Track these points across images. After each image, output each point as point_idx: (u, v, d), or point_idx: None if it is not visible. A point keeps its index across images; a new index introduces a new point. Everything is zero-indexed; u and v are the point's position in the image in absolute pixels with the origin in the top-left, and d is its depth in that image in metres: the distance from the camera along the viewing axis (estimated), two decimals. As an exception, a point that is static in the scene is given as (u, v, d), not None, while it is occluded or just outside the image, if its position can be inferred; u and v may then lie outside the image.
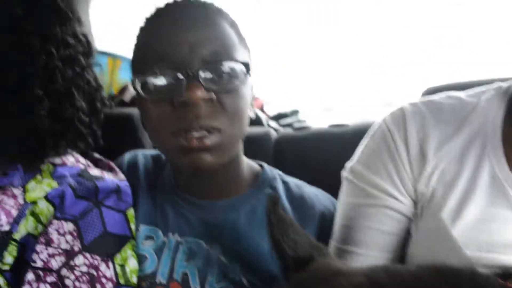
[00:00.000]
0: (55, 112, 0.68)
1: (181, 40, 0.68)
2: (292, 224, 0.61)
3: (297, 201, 0.79)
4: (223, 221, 0.75)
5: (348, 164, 0.71)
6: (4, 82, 0.63)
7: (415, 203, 0.64)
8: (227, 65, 0.68)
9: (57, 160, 0.72)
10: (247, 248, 0.73)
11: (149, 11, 0.74)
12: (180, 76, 0.66)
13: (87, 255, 0.63)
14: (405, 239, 0.65)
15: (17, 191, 0.67)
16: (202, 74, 0.66)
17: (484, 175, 0.59)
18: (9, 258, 0.62)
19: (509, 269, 0.53)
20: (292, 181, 0.83)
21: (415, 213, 0.64)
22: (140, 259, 0.72)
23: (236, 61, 0.69)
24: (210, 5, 0.73)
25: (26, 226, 0.64)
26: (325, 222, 0.75)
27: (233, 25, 0.73)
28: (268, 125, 1.36)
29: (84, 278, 0.62)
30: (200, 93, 0.65)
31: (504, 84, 0.66)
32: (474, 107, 0.65)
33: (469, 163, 0.61)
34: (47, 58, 0.67)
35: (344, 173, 0.71)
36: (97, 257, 0.64)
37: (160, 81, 0.68)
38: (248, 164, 0.82)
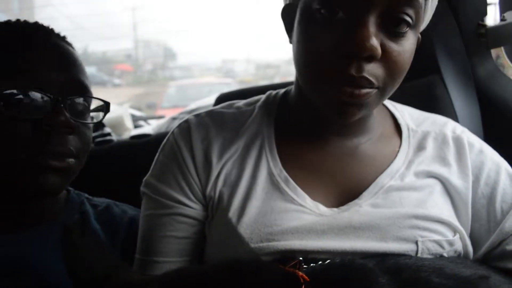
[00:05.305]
0: None
1: None
2: (90, 248, 0.59)
3: (108, 223, 0.79)
4: (22, 258, 0.68)
5: (144, 178, 0.72)
6: None
7: (206, 207, 0.68)
8: None
9: None
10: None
11: None
12: None
13: None
14: (202, 241, 0.69)
15: None
16: None
17: (262, 173, 0.66)
18: None
19: (286, 254, 0.60)
20: (101, 202, 0.82)
21: (206, 216, 0.69)
22: None
23: None
24: None
25: None
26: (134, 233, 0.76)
27: None
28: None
29: None
30: None
31: (274, 92, 0.76)
32: (251, 114, 0.73)
33: (249, 164, 0.67)
34: None
35: (141, 188, 0.72)
36: None
37: None
38: None
